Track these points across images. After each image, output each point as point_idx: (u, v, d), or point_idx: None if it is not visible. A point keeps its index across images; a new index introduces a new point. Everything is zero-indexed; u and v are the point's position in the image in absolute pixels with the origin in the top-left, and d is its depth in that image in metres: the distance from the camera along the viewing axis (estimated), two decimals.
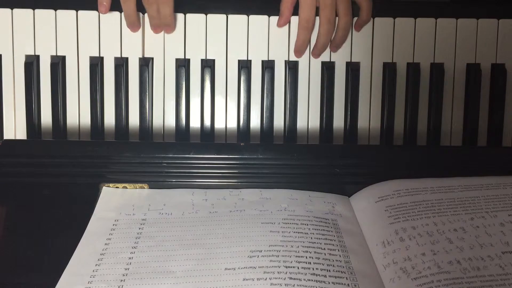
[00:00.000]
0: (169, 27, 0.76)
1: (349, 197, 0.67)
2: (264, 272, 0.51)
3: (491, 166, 0.69)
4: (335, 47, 0.78)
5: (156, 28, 0.77)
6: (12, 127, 0.78)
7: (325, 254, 0.54)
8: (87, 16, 0.77)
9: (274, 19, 0.77)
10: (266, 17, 0.78)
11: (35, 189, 0.66)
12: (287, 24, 0.77)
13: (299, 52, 0.77)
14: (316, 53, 0.77)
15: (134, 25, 0.76)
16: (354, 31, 0.78)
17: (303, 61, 0.78)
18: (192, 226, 0.60)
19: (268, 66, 0.78)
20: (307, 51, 0.78)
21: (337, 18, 0.75)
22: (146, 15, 0.76)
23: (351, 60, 0.79)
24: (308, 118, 0.79)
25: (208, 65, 0.78)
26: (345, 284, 0.50)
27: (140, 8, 0.75)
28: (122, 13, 0.76)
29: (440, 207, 0.61)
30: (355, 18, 0.77)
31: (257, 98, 0.79)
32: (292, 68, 0.78)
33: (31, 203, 0.65)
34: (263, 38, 0.78)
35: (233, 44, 0.78)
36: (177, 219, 0.61)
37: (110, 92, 0.78)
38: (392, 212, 0.61)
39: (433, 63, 0.78)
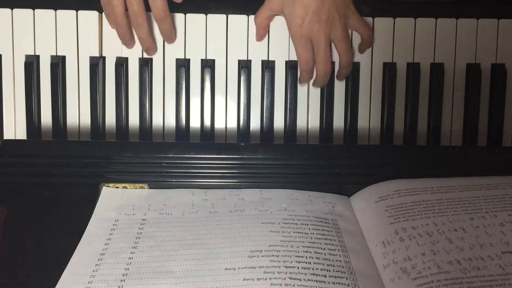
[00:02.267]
0: (171, 39, 0.77)
1: (349, 197, 0.67)
2: (264, 272, 0.51)
3: (491, 166, 0.69)
4: (339, 78, 0.78)
5: (148, 50, 0.77)
6: (12, 127, 0.78)
7: (325, 254, 0.54)
8: (87, 16, 0.77)
9: (274, 19, 0.77)
10: None
11: (35, 189, 0.66)
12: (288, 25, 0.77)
13: (303, 84, 0.78)
14: (316, 86, 0.78)
15: (152, 48, 0.77)
16: (353, 33, 0.78)
17: None
18: (192, 226, 0.60)
19: (268, 66, 0.78)
20: None
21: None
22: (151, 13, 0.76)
23: None
24: (308, 118, 0.79)
25: (208, 65, 0.78)
26: (345, 284, 0.50)
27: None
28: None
29: (440, 207, 0.61)
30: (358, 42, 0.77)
31: (257, 98, 0.79)
32: (292, 68, 0.78)
33: (31, 203, 0.65)
34: None
35: (233, 44, 0.78)
36: (177, 219, 0.61)
37: (110, 92, 0.78)
38: (392, 212, 0.61)
39: (433, 63, 0.78)
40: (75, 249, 0.56)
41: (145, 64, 0.77)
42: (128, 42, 0.76)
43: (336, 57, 0.77)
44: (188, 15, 0.78)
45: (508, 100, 0.79)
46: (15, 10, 0.77)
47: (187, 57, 0.78)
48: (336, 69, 0.77)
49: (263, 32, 0.77)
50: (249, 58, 0.78)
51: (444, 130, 0.79)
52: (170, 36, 0.76)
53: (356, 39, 0.78)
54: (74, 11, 0.77)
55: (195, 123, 0.79)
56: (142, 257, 0.54)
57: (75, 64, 0.78)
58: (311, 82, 0.78)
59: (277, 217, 0.61)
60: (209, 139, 0.78)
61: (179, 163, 0.68)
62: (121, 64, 0.77)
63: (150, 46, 0.76)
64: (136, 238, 0.58)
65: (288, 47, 0.78)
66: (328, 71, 0.75)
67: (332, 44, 0.75)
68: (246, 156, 0.68)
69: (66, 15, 0.77)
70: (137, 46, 0.78)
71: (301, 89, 0.78)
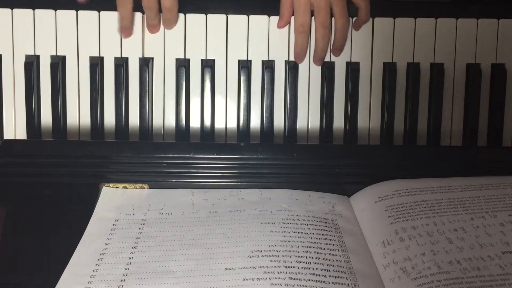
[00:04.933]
0: (172, 22, 0.77)
1: (349, 197, 0.67)
2: (264, 272, 0.51)
3: (491, 166, 0.69)
4: (336, 50, 0.77)
5: (151, 28, 0.77)
6: (12, 127, 0.78)
7: (325, 254, 0.54)
8: (87, 16, 0.77)
9: (274, 19, 0.77)
10: (266, 17, 0.78)
11: (35, 189, 0.66)
12: (287, 24, 0.77)
13: (299, 57, 0.77)
14: (317, 59, 0.77)
15: (128, 28, 0.76)
16: (353, 31, 0.78)
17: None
18: (192, 226, 0.60)
19: (268, 66, 0.78)
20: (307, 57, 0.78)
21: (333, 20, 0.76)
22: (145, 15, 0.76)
23: (351, 60, 0.79)
24: (308, 118, 0.79)
25: (208, 65, 0.78)
26: (345, 284, 0.50)
27: (138, 8, 0.75)
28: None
29: (440, 207, 0.61)
30: (354, 18, 0.77)
31: (257, 98, 0.79)
32: (292, 68, 0.78)
33: (31, 203, 0.65)
34: (263, 38, 0.78)
35: (233, 44, 0.78)
36: (177, 219, 0.61)
37: (110, 92, 0.78)
38: (392, 212, 0.61)
39: (433, 63, 0.78)
40: (75, 249, 0.56)
41: (145, 64, 0.77)
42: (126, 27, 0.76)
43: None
44: (188, 15, 0.78)
45: (508, 100, 0.79)
46: (15, 10, 0.77)
47: (187, 57, 0.78)
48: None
49: (288, 15, 0.76)
50: (249, 58, 0.78)
51: (444, 130, 0.79)
52: (171, 26, 0.77)
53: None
54: (74, 11, 0.77)
55: (195, 123, 0.79)
56: (142, 257, 0.54)
57: (75, 64, 0.78)
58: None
59: (277, 217, 0.61)
60: (209, 139, 0.78)
61: (179, 163, 0.68)
62: (121, 64, 0.77)
63: (153, 23, 0.76)
64: (136, 238, 0.58)
65: (288, 47, 0.78)
66: (327, 33, 0.75)
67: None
68: (246, 156, 0.68)
69: (66, 15, 0.77)
70: (137, 47, 0.78)
71: (301, 89, 0.78)
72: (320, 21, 0.75)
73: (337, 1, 0.75)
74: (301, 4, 0.74)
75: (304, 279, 0.50)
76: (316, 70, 0.79)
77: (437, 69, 0.78)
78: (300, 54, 0.77)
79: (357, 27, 0.78)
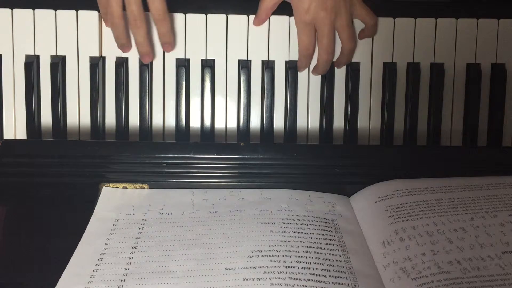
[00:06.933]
0: (169, 44, 0.76)
1: (349, 197, 0.67)
2: (264, 272, 0.51)
3: (491, 166, 0.69)
4: (338, 65, 0.78)
5: (144, 56, 0.75)
6: (12, 127, 0.78)
7: (325, 254, 0.54)
8: (87, 16, 0.77)
9: (274, 19, 0.77)
10: None
11: (35, 189, 0.66)
12: (287, 25, 0.77)
13: (300, 70, 0.78)
14: (316, 74, 0.78)
15: (147, 53, 0.75)
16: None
17: None
18: (192, 226, 0.60)
19: (268, 66, 0.78)
20: None
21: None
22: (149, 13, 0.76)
23: (351, 60, 0.79)
24: (308, 118, 0.79)
25: (208, 65, 0.78)
26: (345, 284, 0.50)
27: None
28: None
29: (440, 207, 0.61)
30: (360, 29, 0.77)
31: (257, 98, 0.79)
32: (292, 68, 0.78)
33: (31, 203, 0.65)
34: (263, 38, 0.78)
35: (233, 44, 0.78)
36: (177, 219, 0.61)
37: (110, 92, 0.78)
38: (392, 212, 0.61)
39: (433, 63, 0.78)
40: (75, 249, 0.56)
41: (145, 64, 0.77)
42: (124, 45, 0.75)
43: (338, 45, 0.76)
44: (188, 15, 0.78)
45: (508, 100, 0.79)
46: (15, 10, 0.77)
47: (187, 57, 0.78)
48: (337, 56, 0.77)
49: (265, 17, 0.76)
50: (249, 58, 0.78)
51: (444, 130, 0.79)
52: (168, 41, 0.75)
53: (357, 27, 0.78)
54: (74, 11, 0.77)
55: (195, 123, 0.79)
56: (142, 257, 0.54)
57: (75, 64, 0.78)
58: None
59: (277, 217, 0.61)
60: (209, 139, 0.78)
61: (179, 163, 0.68)
62: (121, 64, 0.77)
63: (146, 51, 0.74)
64: (136, 238, 0.58)
65: (288, 47, 0.78)
66: (329, 59, 0.75)
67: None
68: (246, 156, 0.68)
69: (66, 15, 0.77)
70: None
71: (301, 89, 0.78)
72: (324, 47, 0.74)
73: (343, 28, 0.73)
74: (306, 28, 0.73)
75: (304, 279, 0.50)
76: None
77: (437, 69, 0.78)
78: (302, 68, 0.78)
79: (360, 38, 0.78)
